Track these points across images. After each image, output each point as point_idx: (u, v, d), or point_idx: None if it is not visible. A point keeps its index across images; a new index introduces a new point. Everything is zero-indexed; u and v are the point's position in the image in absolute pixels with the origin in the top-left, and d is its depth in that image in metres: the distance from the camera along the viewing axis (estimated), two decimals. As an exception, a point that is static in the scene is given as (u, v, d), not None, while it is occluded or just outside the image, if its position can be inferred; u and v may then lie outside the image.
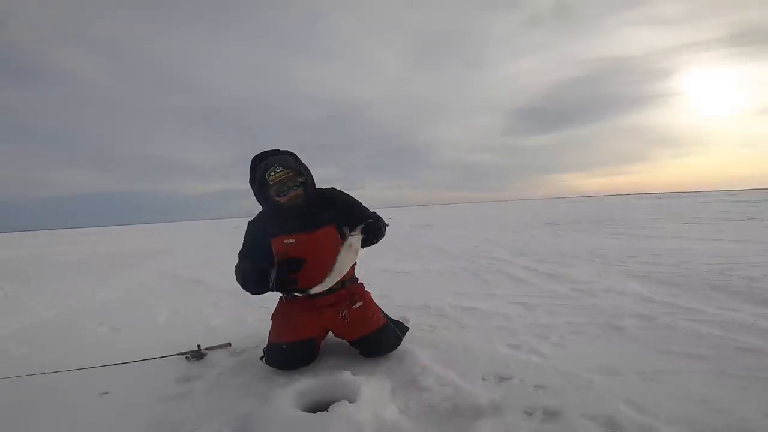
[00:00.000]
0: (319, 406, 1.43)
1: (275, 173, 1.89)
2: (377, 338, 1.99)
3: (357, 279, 2.20)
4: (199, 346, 2.22)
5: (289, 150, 2.05)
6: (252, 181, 1.99)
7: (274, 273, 1.83)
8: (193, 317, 3.20)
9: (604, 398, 1.58)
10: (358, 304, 2.05)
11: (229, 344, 2.35)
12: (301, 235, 1.96)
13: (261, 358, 2.01)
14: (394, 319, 2.18)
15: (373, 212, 2.07)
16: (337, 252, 1.82)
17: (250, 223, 2.09)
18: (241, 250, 2.06)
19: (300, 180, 1.95)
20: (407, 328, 2.16)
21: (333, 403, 1.35)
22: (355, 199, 2.14)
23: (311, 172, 2.07)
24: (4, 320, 3.18)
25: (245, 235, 2.08)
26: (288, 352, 1.93)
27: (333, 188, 2.14)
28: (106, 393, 1.83)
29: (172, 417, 1.57)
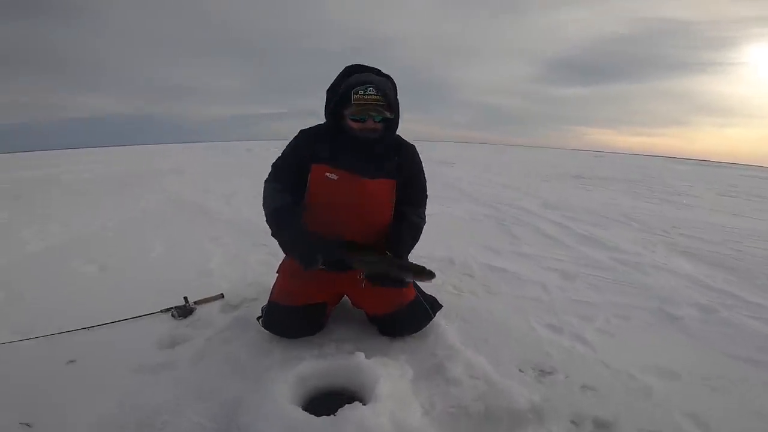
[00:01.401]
0: (325, 398, 1.15)
1: (365, 93, 1.51)
2: (401, 318, 1.66)
3: None
4: (186, 299, 1.93)
5: (390, 77, 1.62)
6: (331, 90, 1.60)
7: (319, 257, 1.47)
8: (188, 254, 2.90)
9: (663, 409, 1.34)
10: None
11: (222, 296, 2.06)
12: (350, 175, 1.57)
13: (258, 319, 1.71)
14: (426, 293, 1.80)
15: (422, 210, 1.73)
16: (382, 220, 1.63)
17: (301, 132, 1.69)
18: (276, 162, 1.68)
19: (387, 114, 1.55)
20: (440, 306, 1.77)
21: (341, 398, 1.06)
22: (424, 177, 1.77)
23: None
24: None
25: (289, 144, 1.69)
26: (291, 317, 1.62)
27: (414, 147, 1.75)
28: (73, 362, 1.55)
29: (145, 398, 1.29)
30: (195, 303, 1.97)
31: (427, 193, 1.78)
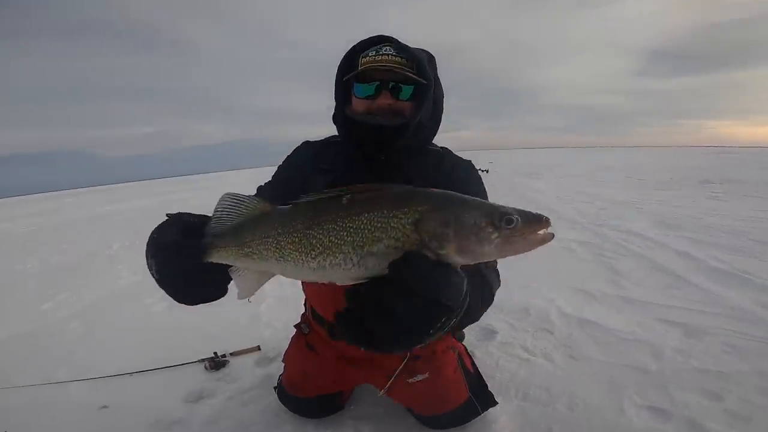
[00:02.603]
0: None
1: (378, 54, 1.09)
2: (444, 421, 1.36)
3: None
4: (215, 353, 1.96)
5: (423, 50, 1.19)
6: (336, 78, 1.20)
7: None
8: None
9: None
10: (419, 378, 1.31)
11: (258, 348, 2.05)
12: None
13: (275, 388, 1.59)
14: (482, 380, 1.43)
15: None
16: None
17: (304, 144, 1.32)
18: (262, 186, 1.30)
19: (418, 83, 1.11)
20: (495, 403, 1.39)
21: None
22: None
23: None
24: (84, 290, 3.33)
25: (285, 161, 1.32)
26: (301, 406, 1.48)
27: (470, 164, 1.29)
28: (105, 407, 1.65)
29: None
30: (231, 354, 1.99)
31: None
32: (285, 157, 1.32)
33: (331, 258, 0.70)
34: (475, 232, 0.67)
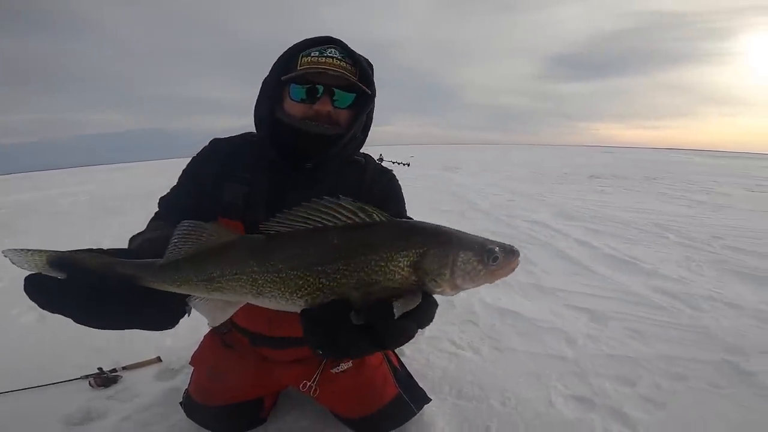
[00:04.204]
0: None
1: (321, 55, 0.98)
2: (375, 422, 1.22)
3: None
4: (100, 368, 1.62)
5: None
6: (270, 75, 1.05)
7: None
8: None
9: None
10: (343, 367, 1.21)
11: (159, 359, 1.73)
12: None
13: (181, 404, 1.32)
14: (412, 378, 1.34)
15: None
16: None
17: (212, 143, 1.13)
18: (165, 196, 1.10)
19: (359, 91, 1.02)
20: (428, 399, 1.31)
21: None
22: (405, 212, 1.19)
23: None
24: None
25: (190, 164, 1.13)
26: (214, 419, 1.24)
27: (392, 175, 1.21)
28: None
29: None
30: (124, 368, 1.68)
31: None
32: (191, 159, 1.14)
33: (323, 298, 0.68)
34: (468, 270, 0.70)
